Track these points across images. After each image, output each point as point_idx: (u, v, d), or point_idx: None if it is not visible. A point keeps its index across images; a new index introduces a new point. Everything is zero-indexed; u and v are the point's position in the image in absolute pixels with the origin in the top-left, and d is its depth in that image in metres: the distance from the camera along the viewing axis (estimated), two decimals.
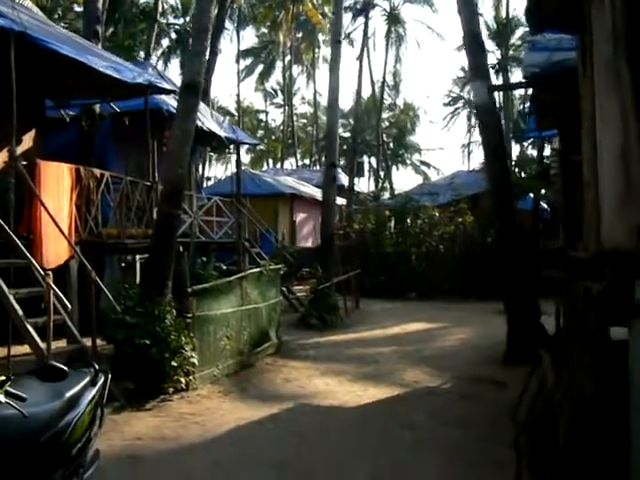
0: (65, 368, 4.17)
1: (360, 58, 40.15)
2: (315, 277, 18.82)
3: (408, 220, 25.49)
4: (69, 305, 8.76)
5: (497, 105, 13.51)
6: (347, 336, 15.54)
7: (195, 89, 11.05)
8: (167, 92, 14.55)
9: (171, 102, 15.66)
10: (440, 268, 24.32)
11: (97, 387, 4.63)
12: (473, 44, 12.91)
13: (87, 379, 4.53)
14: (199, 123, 17.15)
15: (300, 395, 9.83)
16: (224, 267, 21.28)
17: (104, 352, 10.18)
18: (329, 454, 7.04)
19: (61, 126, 15.18)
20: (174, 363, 9.20)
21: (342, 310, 18.09)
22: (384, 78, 48.95)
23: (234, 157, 23.14)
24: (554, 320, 12.55)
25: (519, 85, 12.67)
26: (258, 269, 12.82)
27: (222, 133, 18.58)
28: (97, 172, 11.90)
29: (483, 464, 6.62)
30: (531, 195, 22.28)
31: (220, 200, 19.83)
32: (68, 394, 4.07)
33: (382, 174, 55.88)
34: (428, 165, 69.75)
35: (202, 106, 19.23)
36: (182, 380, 9.40)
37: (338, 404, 9.31)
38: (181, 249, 14.80)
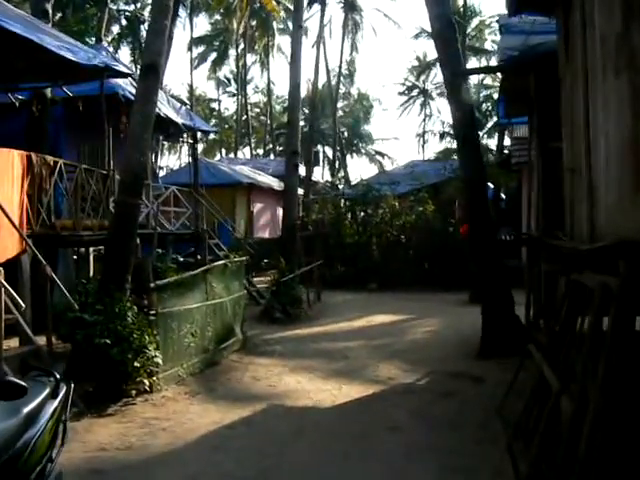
0: (25, 384, 3.57)
1: (317, 45, 39.47)
2: (276, 268, 18.30)
3: (369, 210, 25.07)
4: (22, 304, 8.06)
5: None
6: (312, 330, 15.04)
7: (156, 70, 10.40)
8: (124, 75, 13.82)
9: (127, 87, 14.92)
10: (401, 258, 23.97)
11: (59, 399, 4.08)
12: (446, 31, 12.46)
13: (47, 390, 3.98)
14: (156, 109, 16.48)
15: (271, 395, 9.30)
16: (181, 259, 20.70)
17: (59, 351, 9.56)
18: (311, 462, 6.53)
19: (9, 111, 14.34)
20: (137, 364, 8.58)
21: (305, 302, 17.61)
22: (340, 66, 48.43)
23: (186, 147, 22.27)
24: (525, 311, 12.38)
25: (493, 69, 12.21)
26: (223, 261, 12.20)
27: (179, 119, 17.87)
28: (50, 159, 11.16)
29: (479, 470, 6.18)
30: (490, 185, 22.13)
31: (177, 190, 19.14)
32: (25, 410, 3.54)
33: (337, 163, 55.46)
34: (383, 155, 69.57)
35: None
36: (145, 382, 8.79)
37: (312, 404, 8.82)
38: (138, 241, 14.19)
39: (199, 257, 16.71)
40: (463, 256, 22.44)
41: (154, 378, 8.96)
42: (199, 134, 23.46)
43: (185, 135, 21.68)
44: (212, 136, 73.73)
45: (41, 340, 8.99)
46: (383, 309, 18.09)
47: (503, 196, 29.36)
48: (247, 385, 9.90)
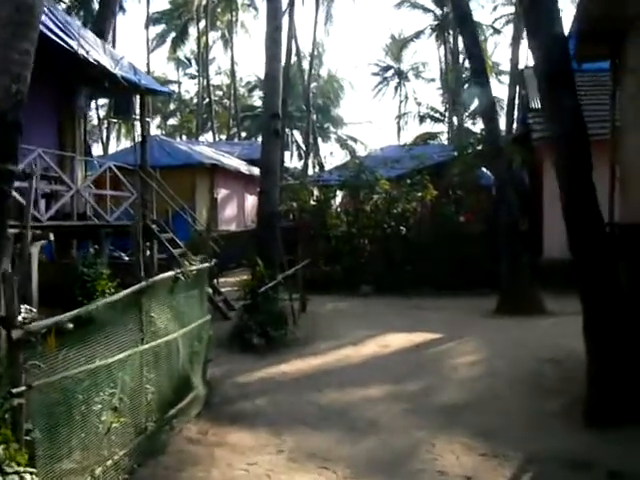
0: None
1: (290, 14, 34.67)
2: (248, 267, 13.68)
3: (361, 196, 20.41)
4: None
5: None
6: (307, 363, 10.42)
7: None
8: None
9: None
10: (400, 255, 19.42)
11: None
12: None
13: None
14: (81, 51, 11.79)
15: None
16: (125, 258, 16.06)
17: None
18: None
19: None
20: None
21: (289, 316, 12.99)
22: (314, 39, 43.69)
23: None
24: None
25: None
26: (170, 273, 7.36)
27: (118, 71, 13.10)
28: None
29: None
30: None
31: (118, 168, 14.42)
32: None
33: (307, 148, 50.81)
34: (355, 140, 65.26)
35: (90, 35, 13.80)
36: None
37: None
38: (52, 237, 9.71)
39: (135, 258, 11.97)
40: (478, 252, 18.17)
41: None
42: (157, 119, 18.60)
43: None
44: (172, 121, 68.96)
45: None
46: (393, 323, 13.60)
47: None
48: None
